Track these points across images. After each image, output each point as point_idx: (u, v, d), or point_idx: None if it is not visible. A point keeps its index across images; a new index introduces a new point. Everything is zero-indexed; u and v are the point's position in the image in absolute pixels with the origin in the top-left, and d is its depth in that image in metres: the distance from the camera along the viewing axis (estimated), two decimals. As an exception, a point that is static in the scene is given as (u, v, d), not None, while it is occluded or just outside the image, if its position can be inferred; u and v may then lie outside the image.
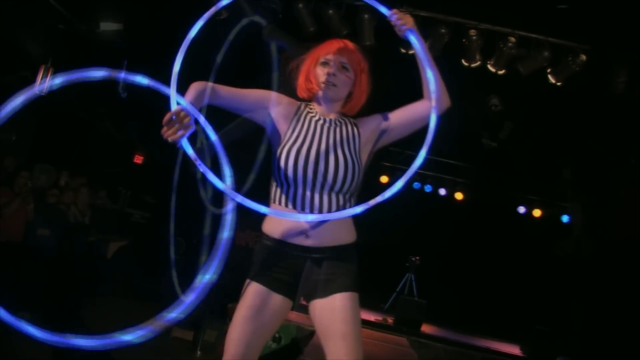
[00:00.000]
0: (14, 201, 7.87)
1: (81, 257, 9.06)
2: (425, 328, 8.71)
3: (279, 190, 2.96)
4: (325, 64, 3.06)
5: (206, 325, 7.74)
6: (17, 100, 2.62)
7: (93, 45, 9.70)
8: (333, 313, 2.85)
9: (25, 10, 9.11)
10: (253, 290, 2.95)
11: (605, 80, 8.22)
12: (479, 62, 8.75)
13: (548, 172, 9.88)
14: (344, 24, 8.63)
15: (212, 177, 2.54)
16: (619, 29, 7.53)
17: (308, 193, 2.91)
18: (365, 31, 8.63)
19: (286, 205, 2.92)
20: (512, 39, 8.44)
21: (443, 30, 8.46)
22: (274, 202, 2.96)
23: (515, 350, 8.62)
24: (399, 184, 2.64)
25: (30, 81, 9.59)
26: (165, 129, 2.50)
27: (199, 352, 7.61)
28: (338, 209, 2.92)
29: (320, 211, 2.90)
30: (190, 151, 2.49)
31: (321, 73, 3.06)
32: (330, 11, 8.55)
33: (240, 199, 2.56)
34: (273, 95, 3.07)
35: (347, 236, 2.99)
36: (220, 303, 7.51)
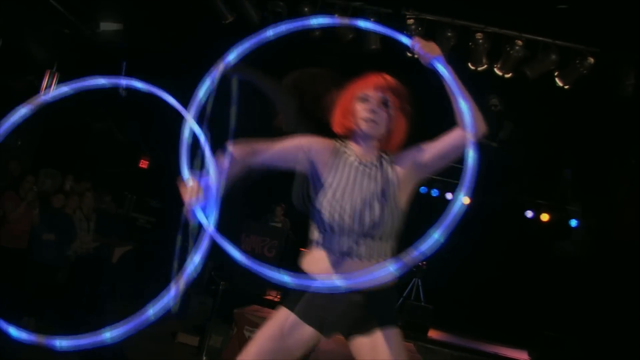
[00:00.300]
0: (19, 206, 7.90)
1: (86, 262, 9.10)
2: (432, 333, 8.71)
3: (320, 236, 2.93)
4: (364, 99, 2.97)
5: (212, 331, 7.74)
6: (21, 112, 2.62)
7: (98, 50, 9.74)
8: (376, 350, 2.83)
9: (31, 15, 9.15)
10: (285, 316, 2.94)
11: (613, 82, 8.21)
12: (485, 66, 8.75)
13: (553, 174, 9.85)
14: (350, 29, 8.64)
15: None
16: (627, 31, 7.52)
17: (349, 240, 2.87)
18: (371, 36, 8.65)
19: (328, 250, 2.89)
20: (519, 42, 8.44)
21: (449, 34, 8.45)
22: (316, 246, 2.94)
23: (523, 356, 8.61)
24: (438, 236, 2.60)
25: (36, 86, 9.64)
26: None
27: (204, 358, 7.61)
28: (379, 254, 2.88)
29: (360, 256, 2.86)
30: (202, 220, 2.51)
31: (360, 109, 2.96)
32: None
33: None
34: (309, 141, 2.99)
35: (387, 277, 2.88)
36: (226, 308, 7.52)
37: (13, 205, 7.90)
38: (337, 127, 3.06)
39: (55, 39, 9.72)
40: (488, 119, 2.87)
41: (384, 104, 2.95)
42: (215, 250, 2.54)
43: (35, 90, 9.67)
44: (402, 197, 2.97)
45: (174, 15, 9.32)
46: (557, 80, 8.52)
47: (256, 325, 7.36)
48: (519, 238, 11.02)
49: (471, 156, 2.64)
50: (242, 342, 7.20)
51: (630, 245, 6.98)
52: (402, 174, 2.98)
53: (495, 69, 8.77)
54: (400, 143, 3.03)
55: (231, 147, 2.75)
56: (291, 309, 2.93)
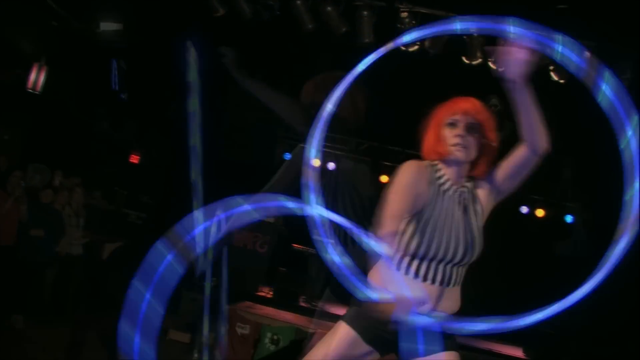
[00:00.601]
0: (7, 201, 7.83)
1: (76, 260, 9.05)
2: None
3: (407, 260, 2.94)
4: (452, 125, 2.98)
5: (204, 328, 7.70)
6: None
7: (87, 43, 9.68)
8: None
9: (18, 8, 9.08)
10: (345, 334, 2.99)
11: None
12: (480, 60, 8.72)
13: (550, 170, 9.83)
14: (342, 22, 8.60)
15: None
16: (623, 26, 7.50)
17: (438, 266, 2.93)
18: (365, 28, 8.60)
19: (414, 276, 2.90)
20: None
21: (444, 27, 8.40)
22: (399, 267, 2.94)
23: (518, 352, 8.61)
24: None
25: (23, 79, 9.57)
26: None
27: (195, 355, 7.57)
28: (460, 280, 3.00)
29: (449, 283, 2.95)
30: None
31: (450, 135, 2.97)
32: (329, 8, 8.52)
33: None
34: (415, 179, 2.95)
35: (458, 305, 3.05)
36: (218, 305, 7.47)
37: (0, 200, 7.83)
38: (430, 155, 3.06)
39: (43, 32, 9.65)
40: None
41: (473, 128, 2.97)
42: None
43: (22, 84, 9.61)
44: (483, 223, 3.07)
45: (165, 9, 9.27)
46: (552, 74, 8.50)
47: (248, 321, 7.34)
48: (514, 234, 11.00)
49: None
50: (234, 338, 7.19)
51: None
52: (484, 201, 3.08)
53: (490, 63, 8.74)
54: (488, 169, 3.06)
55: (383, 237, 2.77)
56: (353, 326, 2.97)
